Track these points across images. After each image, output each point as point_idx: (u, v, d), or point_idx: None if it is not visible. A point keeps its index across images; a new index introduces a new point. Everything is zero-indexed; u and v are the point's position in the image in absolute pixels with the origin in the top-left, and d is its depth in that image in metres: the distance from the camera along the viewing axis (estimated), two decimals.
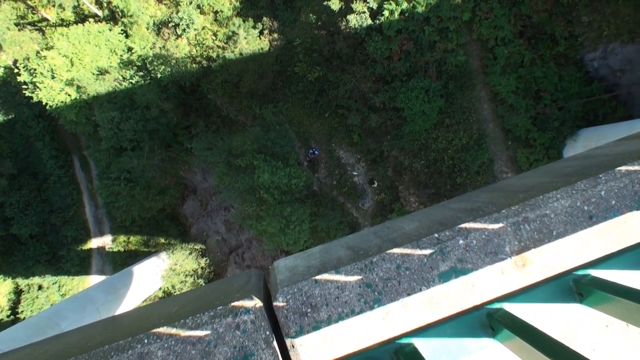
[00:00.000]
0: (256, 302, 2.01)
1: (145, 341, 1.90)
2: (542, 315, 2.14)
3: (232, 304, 2.01)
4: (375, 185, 23.89)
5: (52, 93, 22.84)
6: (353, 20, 20.95)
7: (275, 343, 1.94)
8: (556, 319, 2.15)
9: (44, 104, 23.38)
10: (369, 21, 21.08)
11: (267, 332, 1.94)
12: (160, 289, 27.71)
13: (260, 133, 22.70)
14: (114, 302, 22.55)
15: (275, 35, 22.76)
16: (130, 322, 2.30)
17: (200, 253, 27.57)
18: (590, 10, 19.79)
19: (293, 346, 1.99)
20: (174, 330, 1.93)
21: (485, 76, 21.57)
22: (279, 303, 2.03)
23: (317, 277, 2.09)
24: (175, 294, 26.63)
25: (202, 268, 27.19)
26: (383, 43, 21.28)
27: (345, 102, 22.93)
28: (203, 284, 27.02)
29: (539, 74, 20.73)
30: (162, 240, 27.82)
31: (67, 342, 2.21)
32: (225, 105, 24.59)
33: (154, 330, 1.94)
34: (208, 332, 1.92)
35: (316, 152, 24.15)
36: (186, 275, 26.74)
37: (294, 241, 21.80)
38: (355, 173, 24.17)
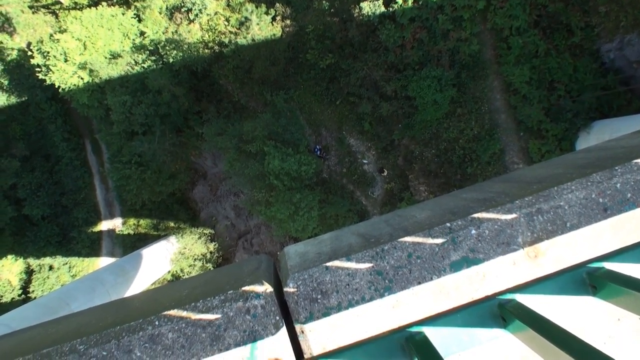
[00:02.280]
0: (267, 287, 2.08)
1: (156, 323, 1.99)
2: (555, 307, 2.17)
3: (243, 288, 2.08)
4: (385, 173, 24.53)
5: (64, 76, 23.77)
6: (366, 7, 21.54)
7: (284, 328, 2.02)
8: (568, 311, 2.18)
9: (56, 86, 24.39)
10: (382, 9, 21.65)
11: (277, 317, 2.01)
12: (169, 272, 28.70)
13: (271, 119, 23.37)
14: (123, 285, 23.30)
15: (288, 21, 23.37)
16: (140, 304, 2.41)
17: (209, 237, 28.47)
18: (607, 0, 20.07)
19: (302, 332, 2.05)
20: (184, 313, 2.01)
21: (499, 66, 22.05)
22: (289, 289, 2.10)
23: (328, 263, 2.15)
24: (185, 277, 27.45)
25: (210, 252, 28.11)
26: (396, 31, 21.81)
27: (357, 90, 23.55)
28: (212, 268, 27.88)
29: (553, 64, 21.14)
30: (172, 224, 28.75)
31: (78, 322, 2.33)
32: (236, 91, 25.34)
33: (165, 312, 2.03)
34: (218, 315, 1.99)
35: (318, 150, 24.75)
36: (195, 259, 27.65)
37: (302, 228, 22.51)
38: (365, 161, 24.83)
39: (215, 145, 24.36)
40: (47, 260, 29.79)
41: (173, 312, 2.03)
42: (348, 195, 25.28)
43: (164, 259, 27.49)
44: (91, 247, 29.79)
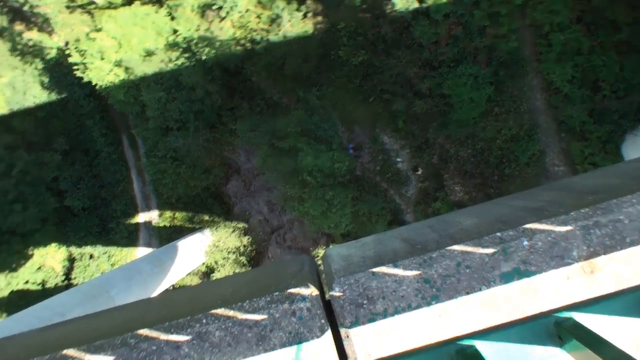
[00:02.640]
0: (312, 290, 2.10)
1: (204, 321, 2.04)
2: (614, 329, 2.09)
3: (289, 290, 2.11)
4: (420, 172, 24.25)
5: (101, 73, 24.37)
6: (399, 3, 21.08)
7: (329, 332, 2.05)
8: (629, 334, 2.10)
9: (93, 84, 25.07)
10: (415, 4, 21.15)
11: (322, 321, 2.03)
12: (203, 264, 29.37)
13: (304, 116, 23.40)
14: (160, 274, 24.12)
15: (319, 18, 23.11)
16: (185, 300, 2.49)
17: (242, 231, 28.89)
18: None
19: (348, 336, 2.07)
20: (231, 313, 2.06)
21: (539, 64, 21.27)
22: (335, 293, 2.11)
23: (375, 269, 2.15)
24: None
25: (244, 246, 28.55)
26: (430, 27, 21.37)
27: (390, 87, 23.26)
28: (245, 261, 28.45)
29: (598, 62, 20.24)
30: (206, 218, 29.30)
31: (124, 316, 2.43)
32: (269, 87, 25.42)
33: (212, 311, 2.08)
34: (265, 316, 2.03)
35: (351, 149, 24.60)
36: (229, 252, 28.16)
37: (335, 224, 22.67)
38: (399, 159, 24.58)
39: (248, 142, 24.59)
40: (88, 249, 31.05)
41: (220, 310, 2.07)
42: (381, 193, 25.12)
43: (199, 251, 28.19)
44: (129, 237, 30.82)
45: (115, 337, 2.04)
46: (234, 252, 28.29)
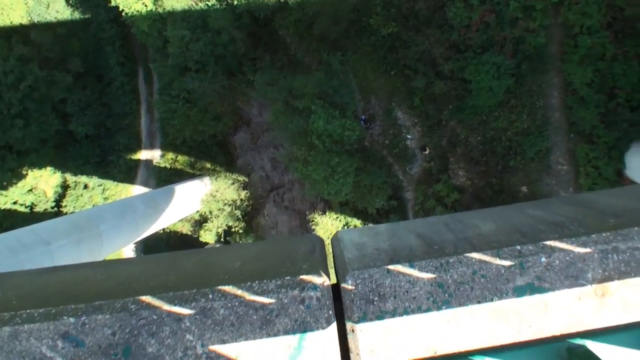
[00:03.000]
0: (324, 280, 2.06)
1: (210, 296, 1.98)
2: None
3: (301, 277, 2.06)
4: (427, 152, 24.69)
5: (129, 0, 24.15)
6: None
7: (335, 324, 2.01)
8: None
9: (120, 10, 25.02)
10: None
11: (330, 312, 2.00)
12: (197, 212, 29.36)
13: (324, 79, 23.56)
14: (153, 216, 23.94)
15: None
16: (192, 267, 2.39)
17: (242, 185, 29.02)
18: None
19: (353, 331, 2.04)
20: (239, 292, 2.00)
21: (562, 63, 21.83)
22: (347, 286, 2.07)
23: (390, 267, 2.11)
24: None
25: (241, 200, 28.62)
26: (464, 10, 21.73)
27: (414, 63, 23.60)
28: (240, 216, 28.52)
29: (618, 70, 20.81)
30: (208, 165, 29.34)
31: (128, 273, 2.34)
32: (294, 44, 25.57)
33: (219, 287, 2.02)
34: (273, 300, 1.98)
35: (363, 120, 24.95)
36: (225, 204, 28.20)
37: (335, 192, 22.80)
38: (409, 136, 24.97)
39: (264, 95, 24.69)
40: (84, 179, 30.81)
41: (227, 288, 2.02)
42: (386, 167, 25.50)
43: (195, 198, 28.21)
44: (127, 173, 30.67)
45: (116, 299, 1.99)
46: (230, 205, 28.32)
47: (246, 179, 29.17)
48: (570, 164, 22.30)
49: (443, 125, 24.23)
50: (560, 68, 21.94)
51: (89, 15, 29.06)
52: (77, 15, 29.13)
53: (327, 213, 26.42)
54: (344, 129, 22.28)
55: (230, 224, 28.42)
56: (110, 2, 24.93)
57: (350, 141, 22.73)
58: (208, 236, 29.20)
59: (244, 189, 28.93)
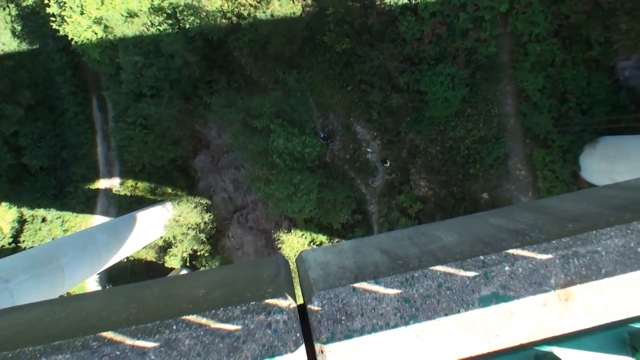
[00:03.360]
0: (290, 303, 2.05)
1: (174, 327, 1.95)
2: None
3: (266, 301, 2.05)
4: (388, 164, 24.72)
5: (79, 29, 23.71)
6: None
7: (304, 346, 2.01)
8: None
9: (69, 39, 24.30)
10: (405, 0, 21.55)
11: (298, 335, 1.99)
12: (161, 237, 28.81)
13: (281, 97, 23.42)
14: (115, 245, 23.32)
15: (309, 1, 23.42)
16: (154, 298, 2.34)
17: (205, 208, 28.56)
18: (630, 18, 20.17)
19: (322, 352, 2.02)
20: (204, 320, 1.98)
21: (514, 71, 22.17)
22: (313, 307, 2.07)
23: (356, 285, 2.12)
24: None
25: (205, 223, 28.19)
26: (416, 24, 21.89)
27: (370, 78, 23.66)
28: (204, 239, 28.10)
29: (568, 75, 21.25)
30: (169, 190, 28.82)
31: (89, 309, 2.27)
32: (249, 65, 25.36)
33: (183, 317, 2.00)
34: (239, 327, 1.96)
35: (323, 136, 24.92)
36: (188, 228, 27.74)
37: (299, 209, 22.58)
38: (369, 150, 24.99)
39: (222, 117, 24.39)
40: (41, 212, 29.89)
41: (192, 317, 2.00)
42: (348, 182, 25.45)
43: (158, 224, 27.60)
44: (86, 203, 29.87)
45: (77, 337, 1.95)
46: (193, 229, 27.87)
47: (209, 202, 28.73)
48: (528, 169, 22.62)
49: (402, 137, 24.30)
50: (512, 76, 22.27)
51: (37, 46, 28.28)
52: (24, 46, 28.31)
53: (292, 231, 26.20)
54: (304, 146, 22.15)
55: (195, 248, 27.95)
56: (58, 31, 24.25)
57: (311, 158, 22.59)
58: (173, 261, 28.62)
59: (207, 212, 28.48)
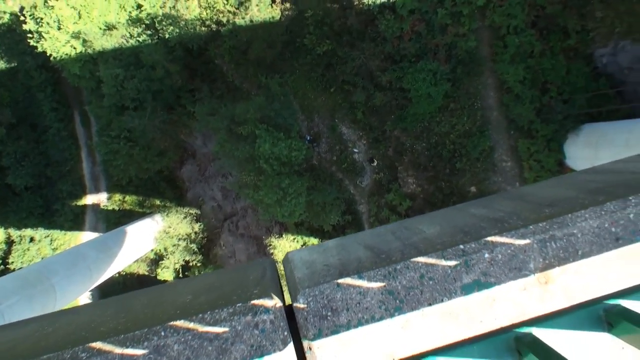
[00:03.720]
0: (276, 302, 2.07)
1: (162, 334, 1.96)
2: (570, 342, 2.18)
3: (252, 302, 2.07)
4: (375, 164, 24.69)
5: (57, 44, 23.36)
6: None
7: (292, 344, 2.02)
8: (582, 346, 2.19)
9: (48, 54, 23.90)
10: None
11: (285, 333, 2.01)
12: (152, 250, 28.46)
13: (264, 103, 23.26)
14: (106, 261, 23.04)
15: (287, 4, 23.32)
16: (142, 307, 2.35)
17: (194, 218, 28.25)
18: (604, 6, 20.43)
19: (310, 348, 2.05)
20: (191, 325, 1.99)
21: (494, 64, 22.27)
22: (299, 305, 2.09)
23: (340, 280, 2.14)
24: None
25: (195, 233, 27.88)
26: (395, 22, 21.89)
27: (352, 78, 23.62)
28: (196, 249, 27.83)
29: (547, 65, 21.41)
30: (158, 202, 28.47)
31: (77, 322, 2.28)
32: (231, 71, 25.18)
33: (171, 323, 2.01)
34: (226, 329, 1.98)
35: (308, 139, 24.85)
36: (179, 239, 27.41)
37: (289, 213, 22.45)
38: (355, 150, 24.93)
39: (206, 125, 24.16)
40: (29, 232, 29.30)
41: (179, 322, 2.01)
42: (336, 183, 25.34)
43: (148, 237, 27.24)
44: (74, 220, 29.36)
45: (65, 350, 1.95)
46: (184, 239, 27.54)
47: (198, 211, 28.44)
48: (513, 160, 22.71)
49: (387, 136, 24.29)
50: (493, 69, 22.37)
51: (15, 64, 27.74)
52: (2, 65, 27.74)
53: (283, 235, 26.04)
54: (290, 149, 22.03)
55: (187, 258, 27.62)
56: (36, 48, 23.88)
57: (298, 161, 22.49)
58: (166, 274, 28.25)
59: (197, 222, 28.17)
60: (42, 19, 23.07)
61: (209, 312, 2.03)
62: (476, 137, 22.72)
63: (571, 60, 21.40)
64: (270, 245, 25.69)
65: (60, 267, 20.35)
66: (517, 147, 22.44)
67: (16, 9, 26.54)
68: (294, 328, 2.09)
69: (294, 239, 25.82)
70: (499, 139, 22.77)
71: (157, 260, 28.80)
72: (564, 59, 21.35)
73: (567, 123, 21.01)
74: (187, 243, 27.61)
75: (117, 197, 28.96)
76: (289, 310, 2.15)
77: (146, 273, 29.61)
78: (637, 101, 20.48)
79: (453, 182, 23.63)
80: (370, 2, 21.78)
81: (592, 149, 19.86)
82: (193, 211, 28.27)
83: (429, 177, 24.00)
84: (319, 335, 2.03)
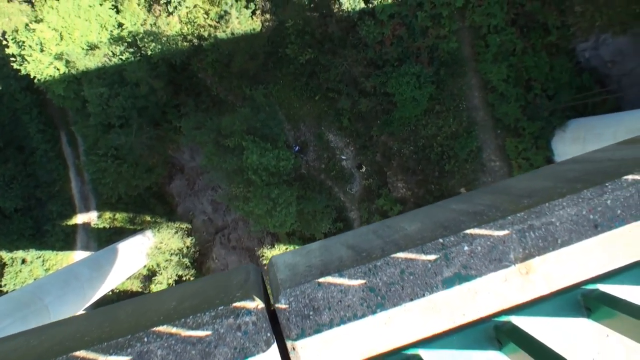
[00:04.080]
0: (258, 303, 2.06)
1: (145, 340, 1.94)
2: (549, 329, 2.19)
3: (234, 304, 2.06)
4: (364, 170, 24.54)
5: (40, 66, 23.28)
6: (346, 3, 21.56)
7: (275, 345, 2.01)
8: (562, 332, 2.20)
9: (32, 77, 23.83)
10: (362, 4, 21.67)
11: (268, 334, 1.99)
12: (145, 266, 28.30)
13: (250, 114, 23.16)
14: (98, 279, 22.92)
15: (268, 15, 23.27)
16: (126, 316, 2.33)
17: (186, 232, 28.13)
18: (583, 0, 20.27)
19: (294, 349, 2.04)
20: (174, 330, 1.97)
21: (477, 64, 22.17)
22: (281, 305, 2.08)
23: (320, 279, 2.13)
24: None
25: (187, 247, 27.76)
26: (375, 27, 21.83)
27: (336, 85, 23.52)
28: (188, 263, 27.68)
29: (530, 63, 21.33)
30: (148, 218, 28.32)
31: (62, 334, 2.25)
32: (215, 84, 25.10)
33: (154, 328, 1.99)
34: (209, 332, 1.96)
35: (296, 149, 24.72)
36: (171, 254, 27.29)
37: (280, 224, 22.31)
38: (343, 157, 24.79)
39: (193, 139, 24.07)
40: (20, 254, 29.14)
41: (162, 328, 1.99)
42: (326, 191, 25.18)
43: (140, 253, 27.11)
44: (65, 240, 29.21)
45: None
46: (176, 254, 27.42)
47: (189, 226, 28.30)
48: (502, 159, 22.54)
49: (375, 141, 24.15)
50: (476, 69, 22.26)
51: (0, 88, 27.80)
52: None
53: (276, 246, 25.90)
54: (278, 159, 21.93)
55: (180, 273, 27.46)
56: (20, 71, 23.80)
57: (286, 171, 22.38)
58: (159, 289, 28.05)
59: (188, 236, 28.06)
60: (24, 42, 23.00)
61: (191, 316, 2.02)
62: (463, 138, 22.55)
63: (554, 57, 21.31)
64: (263, 256, 25.56)
65: (53, 287, 20.18)
66: (504, 146, 22.30)
67: None
68: (278, 329, 2.09)
69: (286, 248, 25.64)
70: (486, 139, 22.62)
71: (150, 276, 28.62)
72: (546, 55, 21.25)
73: (553, 119, 20.90)
74: (179, 258, 27.47)
75: (108, 215, 28.82)
76: (274, 313, 2.14)
77: (139, 289, 29.40)
78: (621, 94, 20.37)
79: (443, 185, 23.44)
80: (350, 9, 21.72)
81: (580, 144, 19.70)
82: (184, 226, 28.13)
83: (418, 180, 23.82)
84: (301, 335, 2.03)
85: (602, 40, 20.49)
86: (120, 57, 23.15)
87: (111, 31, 23.54)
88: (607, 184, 2.29)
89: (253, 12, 22.93)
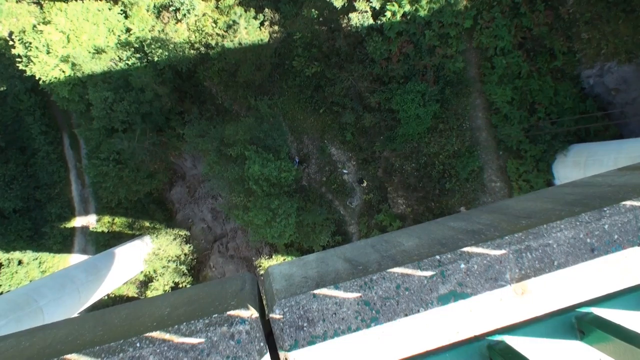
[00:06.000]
0: (252, 313, 2.00)
1: (138, 345, 1.90)
2: (542, 350, 2.16)
3: (228, 313, 2.00)
4: (365, 184, 24.23)
5: (46, 68, 22.84)
6: (355, 18, 21.20)
7: (268, 355, 1.95)
8: (555, 354, 2.17)
9: (37, 78, 23.40)
10: (371, 21, 21.35)
11: (262, 344, 1.94)
12: (141, 272, 27.85)
13: (254, 124, 22.86)
14: (95, 283, 22.56)
15: (276, 27, 22.96)
16: (120, 320, 2.26)
17: (184, 239, 27.72)
18: (590, 27, 20.14)
19: (287, 359, 1.99)
20: (167, 336, 1.93)
21: (482, 85, 21.93)
22: (275, 315, 2.03)
23: (316, 291, 2.09)
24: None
25: (185, 254, 27.35)
26: (383, 44, 21.54)
27: (341, 99, 23.25)
28: (185, 271, 27.28)
29: (535, 86, 21.11)
30: (147, 224, 27.92)
31: (54, 336, 2.19)
32: (220, 93, 24.79)
33: (147, 334, 1.94)
34: (202, 340, 1.91)
35: (297, 162, 24.41)
36: (169, 261, 26.87)
37: (279, 234, 21.98)
38: (345, 171, 24.47)
39: (196, 147, 23.75)
40: (17, 255, 28.68)
41: (155, 333, 1.94)
42: (326, 204, 24.83)
43: (138, 259, 26.68)
44: (63, 243, 28.77)
45: None
46: (174, 261, 27.00)
47: (188, 233, 27.89)
48: (503, 180, 22.25)
49: (377, 157, 23.84)
50: (481, 89, 22.01)
51: (4, 88, 27.30)
52: None
53: (273, 257, 25.51)
54: (280, 170, 21.61)
55: (176, 280, 27.01)
56: (25, 72, 23.33)
57: (287, 182, 22.04)
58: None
59: (186, 243, 27.67)
60: (31, 43, 22.54)
61: (185, 323, 1.98)
62: (465, 157, 22.25)
63: (558, 81, 21.09)
64: (260, 266, 25.16)
65: (49, 289, 19.85)
66: (506, 168, 22.01)
67: (5, 34, 26.02)
68: (272, 339, 2.05)
69: (284, 260, 25.19)
70: (488, 160, 22.33)
71: (146, 282, 28.17)
72: (551, 80, 21.04)
73: (555, 143, 20.64)
74: (176, 265, 27.05)
75: (107, 219, 28.37)
76: (268, 323, 2.09)
77: (135, 295, 28.93)
78: (623, 121, 20.18)
79: (443, 203, 23.11)
80: (358, 24, 21.40)
81: (580, 169, 19.45)
82: (183, 233, 27.72)
83: (418, 197, 23.48)
84: (295, 346, 1.99)
85: (607, 68, 20.28)
86: (127, 62, 22.77)
87: (119, 36, 23.14)
88: (605, 209, 2.28)
89: (261, 23, 22.61)
